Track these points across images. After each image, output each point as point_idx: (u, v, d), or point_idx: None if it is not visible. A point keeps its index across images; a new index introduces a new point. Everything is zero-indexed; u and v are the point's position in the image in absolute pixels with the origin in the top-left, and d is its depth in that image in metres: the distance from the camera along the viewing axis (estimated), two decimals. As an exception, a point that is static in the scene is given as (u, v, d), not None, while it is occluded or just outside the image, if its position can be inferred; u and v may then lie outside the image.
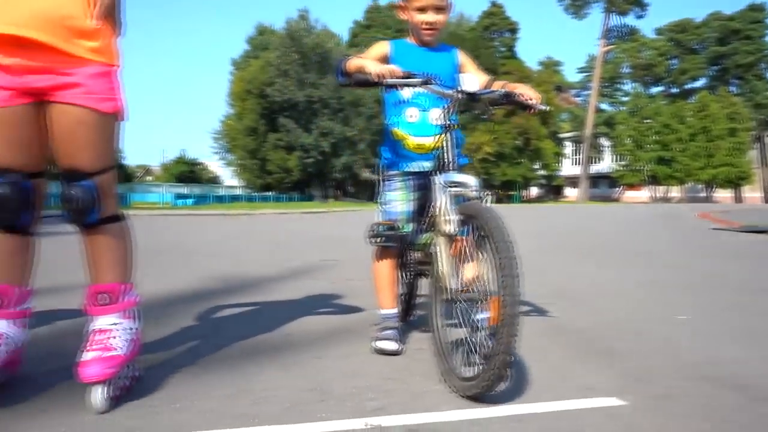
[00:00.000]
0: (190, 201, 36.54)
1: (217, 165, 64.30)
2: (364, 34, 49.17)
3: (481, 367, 1.84)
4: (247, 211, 19.32)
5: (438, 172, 2.15)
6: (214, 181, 63.50)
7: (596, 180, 64.16)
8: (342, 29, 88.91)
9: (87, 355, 1.82)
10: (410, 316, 2.79)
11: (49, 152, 1.89)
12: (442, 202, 2.05)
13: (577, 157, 65.36)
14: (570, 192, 65.51)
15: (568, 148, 66.69)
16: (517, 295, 1.73)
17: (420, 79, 2.14)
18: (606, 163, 64.26)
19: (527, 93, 2.25)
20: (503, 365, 1.75)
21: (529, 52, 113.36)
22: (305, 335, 2.75)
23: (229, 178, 66.06)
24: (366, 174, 47.26)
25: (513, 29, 58.16)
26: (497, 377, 1.78)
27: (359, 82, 2.17)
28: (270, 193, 49.76)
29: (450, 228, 2.00)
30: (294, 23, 42.34)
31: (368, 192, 48.64)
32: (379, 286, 2.58)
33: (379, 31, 48.06)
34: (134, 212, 18.19)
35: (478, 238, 1.94)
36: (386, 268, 2.55)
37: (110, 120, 1.89)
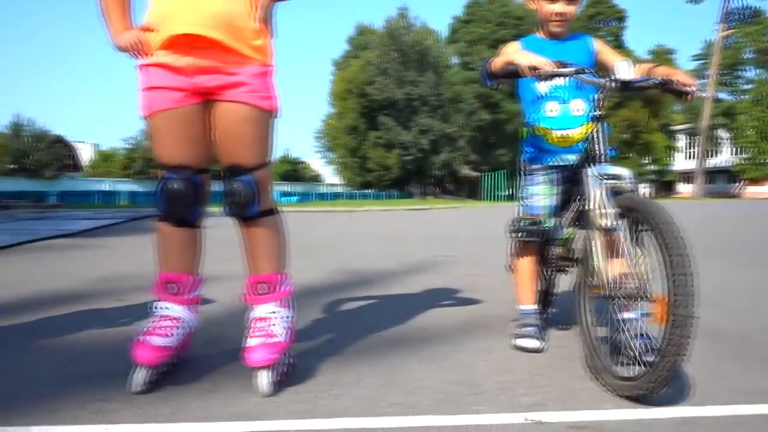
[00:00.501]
0: (294, 198, 37.86)
1: (318, 163, 66.26)
2: (464, 30, 48.66)
3: (645, 368, 1.77)
4: (352, 209, 19.70)
5: (589, 164, 2.08)
6: (316, 179, 65.45)
7: (713, 175, 59.81)
8: (441, 25, 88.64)
9: (251, 342, 1.93)
10: (547, 314, 2.72)
11: (211, 149, 2.01)
12: (597, 194, 1.97)
13: (692, 150, 61.22)
14: (683, 188, 61.51)
15: (681, 141, 62.63)
16: (692, 294, 1.63)
17: (573, 69, 2.08)
18: (724, 157, 59.75)
19: (684, 79, 2.12)
20: (672, 367, 1.66)
21: (638, 40, 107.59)
22: (441, 329, 2.76)
23: (330, 176, 67.85)
24: (465, 171, 46.88)
25: (621, 17, 55.45)
26: (664, 379, 1.69)
27: (508, 74, 2.13)
28: (369, 190, 50.53)
29: (606, 222, 1.92)
30: (393, 21, 42.68)
31: (467, 189, 48.23)
32: (519, 281, 2.54)
33: (479, 26, 47.44)
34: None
35: (638, 232, 1.86)
36: (527, 263, 2.50)
37: (269, 117, 1.99)
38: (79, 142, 62.17)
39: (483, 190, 44.42)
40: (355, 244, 7.30)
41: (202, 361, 2.19)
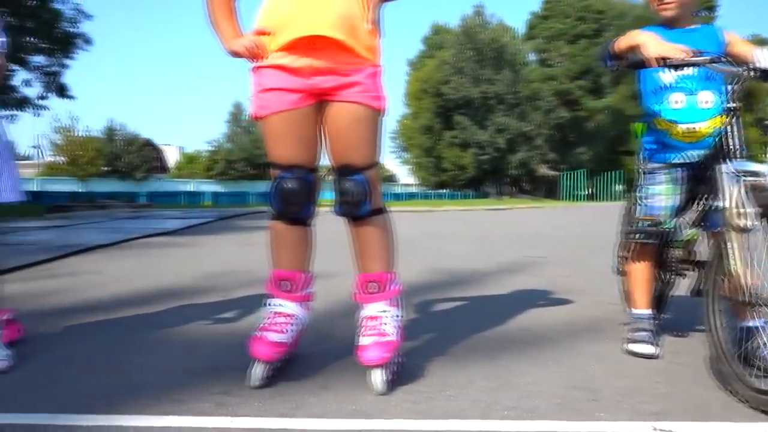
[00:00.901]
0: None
1: (393, 164, 66.59)
2: (541, 26, 47.56)
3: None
4: (430, 208, 19.67)
5: (722, 160, 1.94)
6: (390, 179, 65.80)
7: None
8: (518, 22, 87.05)
9: (364, 340, 1.93)
10: (660, 319, 2.59)
11: (321, 149, 2.04)
12: (734, 192, 1.85)
13: (790, 146, 57.18)
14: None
15: (778, 136, 58.63)
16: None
17: (708, 57, 1.95)
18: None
19: None
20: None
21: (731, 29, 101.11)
22: (545, 330, 2.68)
23: (405, 177, 68.00)
24: (543, 170, 45.80)
25: (711, 6, 52.50)
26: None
27: (634, 65, 2.03)
28: (444, 190, 50.26)
29: (746, 222, 1.80)
30: (469, 20, 42.28)
31: (544, 189, 47.09)
32: (634, 284, 2.42)
33: (558, 21, 46.23)
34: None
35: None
36: (643, 266, 2.38)
37: (380, 117, 1.99)
38: (166, 145, 65.35)
39: (561, 189, 43.25)
40: (441, 243, 7.26)
41: (313, 357, 2.22)
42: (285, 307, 2.02)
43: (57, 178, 40.36)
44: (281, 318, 2.00)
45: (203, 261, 5.31)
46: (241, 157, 50.03)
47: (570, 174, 42.99)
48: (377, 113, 1.98)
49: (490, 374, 2.06)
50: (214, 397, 1.81)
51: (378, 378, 1.87)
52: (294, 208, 1.99)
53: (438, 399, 1.82)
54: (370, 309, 2.00)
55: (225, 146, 52.45)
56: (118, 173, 45.60)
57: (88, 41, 25.25)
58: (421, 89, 47.32)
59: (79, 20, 24.95)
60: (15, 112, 24.47)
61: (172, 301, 3.29)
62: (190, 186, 48.37)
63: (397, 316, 2.03)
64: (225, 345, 2.39)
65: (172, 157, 65.60)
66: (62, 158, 50.89)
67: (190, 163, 59.45)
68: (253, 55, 1.95)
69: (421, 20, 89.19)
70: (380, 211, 2.04)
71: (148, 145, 52.36)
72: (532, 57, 47.06)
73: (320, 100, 1.96)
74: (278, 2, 1.95)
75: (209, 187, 47.98)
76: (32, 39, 23.50)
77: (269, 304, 2.05)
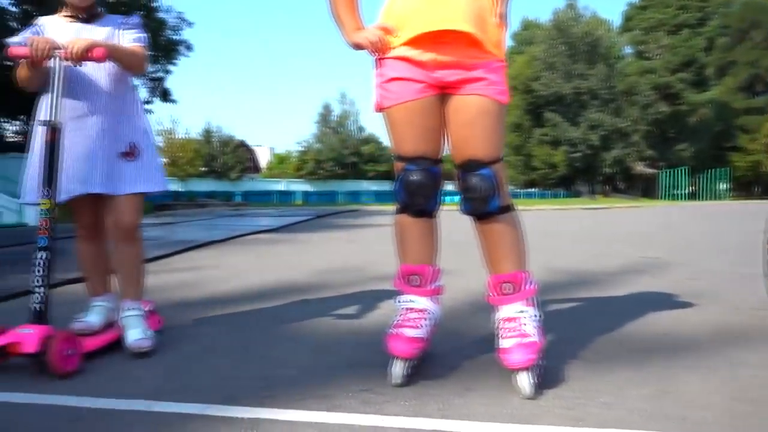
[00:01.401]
0: (457, 198, 37.88)
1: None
2: (639, 17, 45.44)
3: None
4: (525, 207, 19.24)
5: None
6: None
7: None
8: (613, 14, 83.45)
9: (505, 343, 1.85)
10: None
11: (444, 141, 1.98)
12: None
13: None
14: None
15: None
16: None
17: None
18: None
19: None
20: None
21: None
22: (686, 336, 2.49)
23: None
24: (640, 167, 43.72)
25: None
26: None
27: None
28: (534, 189, 49.14)
29: None
30: (561, 13, 41.06)
31: (641, 187, 44.94)
32: None
33: (657, 11, 43.97)
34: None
35: None
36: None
37: (504, 110, 1.93)
38: (258, 146, 67.82)
39: (660, 188, 41.12)
40: (549, 242, 7.05)
41: (447, 356, 2.16)
42: (416, 302, 1.98)
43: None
44: (414, 314, 1.95)
45: (312, 258, 5.41)
46: (330, 157, 51.06)
47: (670, 172, 40.79)
48: (502, 107, 1.92)
49: (641, 380, 1.92)
50: (360, 395, 1.78)
51: (525, 381, 1.78)
52: (420, 200, 1.95)
53: (592, 406, 1.71)
54: (506, 310, 1.92)
55: (314, 146, 53.73)
56: (214, 173, 47.80)
57: (189, 47, 26.65)
58: (510, 86, 45.90)
59: (181, 27, 26.40)
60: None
61: (292, 296, 3.35)
62: (281, 185, 49.90)
63: (536, 316, 1.93)
64: (356, 342, 2.38)
65: (263, 158, 68.00)
66: (164, 159, 54.08)
67: (281, 163, 61.38)
68: (376, 48, 1.93)
69: (510, 16, 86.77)
70: (508, 208, 1.95)
71: (242, 146, 54.55)
72: (628, 50, 45.05)
73: (444, 92, 1.92)
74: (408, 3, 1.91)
75: (299, 186, 49.32)
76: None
77: (400, 301, 2.01)
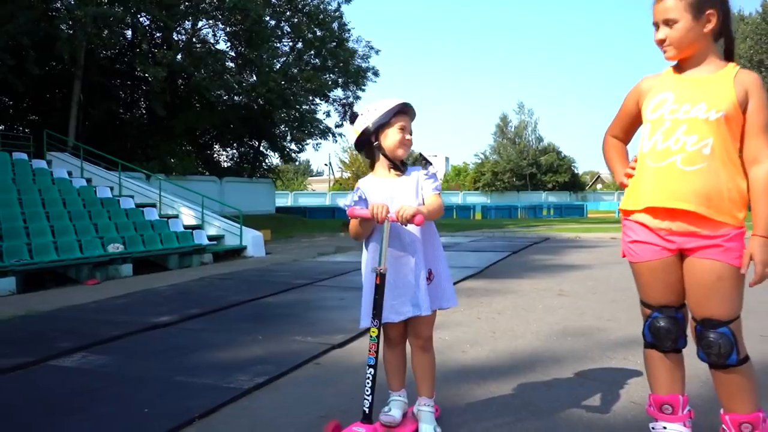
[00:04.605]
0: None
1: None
2: None
3: None
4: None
5: None
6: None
7: None
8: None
9: None
10: None
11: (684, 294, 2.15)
12: None
13: None
14: None
15: None
16: None
17: None
18: None
19: None
20: None
21: None
22: None
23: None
24: None
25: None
26: None
27: None
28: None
29: None
30: (773, 5, 36.57)
31: None
32: None
33: None
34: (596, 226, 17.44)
35: None
36: None
37: (740, 274, 2.03)
38: (433, 155, 69.34)
39: None
40: None
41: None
42: (669, 428, 2.19)
43: (344, 192, 45.78)
44: None
45: (531, 318, 5.48)
46: (507, 168, 50.62)
47: None
48: (737, 270, 2.02)
49: None
50: None
51: None
52: (668, 343, 2.16)
53: None
54: None
55: (492, 158, 53.63)
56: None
57: (376, 74, 28.27)
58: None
59: (369, 55, 28.11)
60: (319, 141, 28.57)
61: (528, 374, 3.52)
62: (459, 198, 50.50)
63: None
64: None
65: (439, 167, 69.34)
66: (348, 173, 57.59)
67: (458, 175, 62.12)
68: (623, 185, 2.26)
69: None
70: (746, 359, 2.08)
71: (421, 158, 56.12)
72: None
73: (682, 252, 2.10)
74: (645, 173, 2.14)
75: (477, 198, 49.54)
76: (332, 75, 27.15)
77: (654, 428, 2.24)
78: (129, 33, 22.34)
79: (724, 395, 2.11)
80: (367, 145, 2.54)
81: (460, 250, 12.12)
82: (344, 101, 28.38)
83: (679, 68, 2.15)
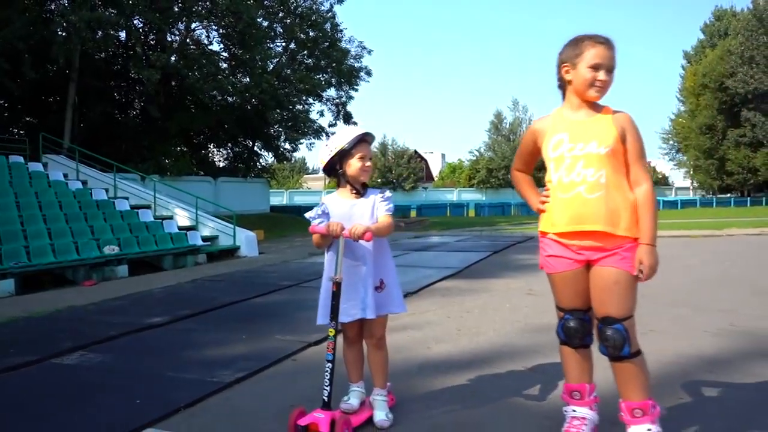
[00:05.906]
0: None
1: (666, 167, 61.19)
2: None
3: None
4: (712, 232, 17.83)
5: None
6: (663, 182, 60.59)
7: None
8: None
9: None
10: None
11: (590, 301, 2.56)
12: None
13: None
14: None
15: None
16: None
17: None
18: None
19: None
20: None
21: None
22: None
23: (680, 180, 62.00)
24: None
25: None
26: None
27: None
28: (728, 195, 44.77)
29: None
30: (763, 2, 36.99)
31: None
32: None
33: None
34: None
35: None
36: None
37: (633, 279, 2.45)
38: (429, 152, 69.66)
39: None
40: (732, 294, 6.59)
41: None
42: (578, 412, 2.63)
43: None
44: (577, 421, 2.61)
45: (498, 317, 5.92)
46: (502, 165, 51.03)
47: None
48: (631, 275, 2.43)
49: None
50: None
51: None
52: (576, 341, 2.60)
53: None
54: (636, 430, 2.46)
55: (486, 155, 54.02)
56: (389, 184, 50.20)
57: (369, 73, 28.58)
58: (700, 84, 42.90)
59: (362, 55, 28.42)
60: (312, 140, 28.89)
61: (486, 367, 3.93)
62: (453, 195, 50.81)
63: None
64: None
65: (435, 165, 69.68)
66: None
67: (453, 172, 62.51)
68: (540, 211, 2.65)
69: (701, 6, 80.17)
70: (638, 352, 2.47)
71: (416, 155, 56.56)
72: None
73: (588, 263, 2.52)
74: (556, 203, 2.55)
75: (471, 195, 49.88)
76: (325, 75, 27.48)
77: (566, 411, 2.68)
78: (123, 35, 22.63)
79: (620, 384, 2.50)
80: (333, 171, 2.90)
81: (445, 251, 12.48)
82: (337, 101, 28.69)
83: (567, 111, 2.55)
